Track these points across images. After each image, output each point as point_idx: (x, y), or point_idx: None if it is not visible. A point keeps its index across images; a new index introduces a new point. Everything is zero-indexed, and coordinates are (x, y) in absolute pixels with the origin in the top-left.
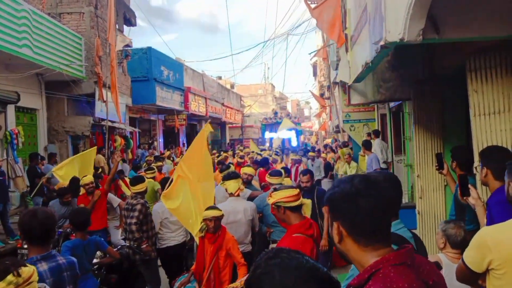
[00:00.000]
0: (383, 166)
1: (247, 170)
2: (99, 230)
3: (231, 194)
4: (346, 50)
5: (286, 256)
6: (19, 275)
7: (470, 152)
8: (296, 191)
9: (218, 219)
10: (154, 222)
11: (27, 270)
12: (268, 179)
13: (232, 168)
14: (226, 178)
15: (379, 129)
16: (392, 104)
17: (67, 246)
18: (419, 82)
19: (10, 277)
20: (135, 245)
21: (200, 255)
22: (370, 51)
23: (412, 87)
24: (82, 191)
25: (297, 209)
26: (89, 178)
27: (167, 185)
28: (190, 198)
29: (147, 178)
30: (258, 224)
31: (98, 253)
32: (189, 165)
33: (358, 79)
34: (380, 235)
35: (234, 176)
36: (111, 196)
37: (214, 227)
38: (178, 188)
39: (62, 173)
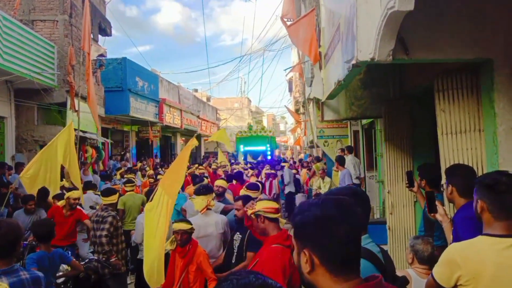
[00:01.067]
0: (356, 181)
1: (219, 183)
2: (68, 245)
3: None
4: (320, 68)
5: (235, 277)
6: None
7: (438, 169)
8: (277, 205)
9: (186, 232)
10: (138, 233)
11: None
12: (246, 192)
13: (206, 181)
14: (196, 192)
15: (352, 145)
16: (364, 121)
17: (32, 258)
18: (389, 101)
19: None
20: (104, 259)
21: (171, 270)
22: (343, 69)
23: (383, 105)
24: (62, 202)
25: (276, 220)
26: (78, 193)
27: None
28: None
29: (127, 191)
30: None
31: (64, 266)
32: (171, 180)
33: (331, 96)
34: (353, 264)
35: (204, 191)
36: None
37: (181, 240)
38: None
39: (29, 175)
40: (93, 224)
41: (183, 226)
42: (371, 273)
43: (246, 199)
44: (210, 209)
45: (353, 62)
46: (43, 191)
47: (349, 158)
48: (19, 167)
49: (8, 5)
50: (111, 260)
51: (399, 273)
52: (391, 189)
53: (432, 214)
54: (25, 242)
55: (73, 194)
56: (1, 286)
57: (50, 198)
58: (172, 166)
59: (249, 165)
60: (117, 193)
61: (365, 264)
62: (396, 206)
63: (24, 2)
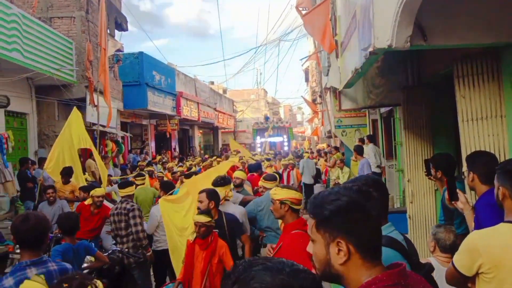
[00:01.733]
0: (376, 170)
1: (238, 174)
2: (92, 237)
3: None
4: (337, 56)
5: (261, 261)
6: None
7: (450, 157)
8: (301, 196)
9: (204, 225)
10: (151, 224)
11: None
12: (263, 183)
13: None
14: (215, 184)
15: (371, 134)
16: (383, 110)
17: (57, 250)
18: (408, 88)
19: None
20: (126, 250)
21: (189, 261)
22: (359, 57)
23: (401, 93)
24: (89, 201)
25: (297, 211)
26: (101, 190)
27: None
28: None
29: (138, 184)
30: (250, 228)
31: (88, 257)
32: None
33: (348, 85)
34: (380, 250)
35: (222, 183)
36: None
37: (200, 232)
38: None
39: (51, 168)
40: (114, 216)
41: (202, 218)
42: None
43: (212, 193)
44: (228, 200)
45: (370, 49)
46: (68, 169)
47: (369, 147)
48: (42, 161)
49: (26, 4)
50: (147, 254)
51: (422, 261)
52: (411, 177)
53: (453, 202)
54: (50, 234)
55: (96, 192)
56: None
57: (77, 190)
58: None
59: (265, 156)
60: (134, 185)
61: (391, 253)
62: (416, 194)
63: (42, 0)
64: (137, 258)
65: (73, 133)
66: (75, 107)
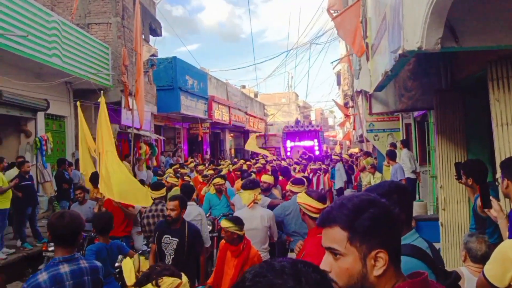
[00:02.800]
0: (411, 176)
1: (265, 179)
2: (123, 236)
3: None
4: (367, 59)
5: (285, 262)
6: (158, 285)
7: (482, 163)
8: (323, 205)
9: (232, 233)
10: None
11: (169, 282)
12: (290, 187)
13: (253, 176)
14: (243, 187)
15: (405, 139)
16: (416, 114)
17: (92, 250)
18: (441, 91)
19: (149, 286)
20: None
21: (220, 265)
22: (389, 60)
23: (435, 96)
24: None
25: (315, 219)
26: None
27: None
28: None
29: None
30: (277, 232)
31: (120, 257)
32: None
33: (379, 88)
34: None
35: (251, 186)
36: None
37: (232, 240)
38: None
39: (84, 171)
40: (148, 219)
41: (232, 227)
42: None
43: (184, 202)
44: (257, 203)
45: (400, 51)
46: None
47: (404, 152)
48: (79, 163)
49: (66, 11)
50: None
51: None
52: (444, 184)
53: (486, 210)
54: (84, 233)
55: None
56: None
57: (87, 182)
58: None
59: (295, 160)
60: (165, 187)
61: (414, 263)
62: (449, 201)
63: (80, 7)
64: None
65: (85, 132)
66: (78, 103)
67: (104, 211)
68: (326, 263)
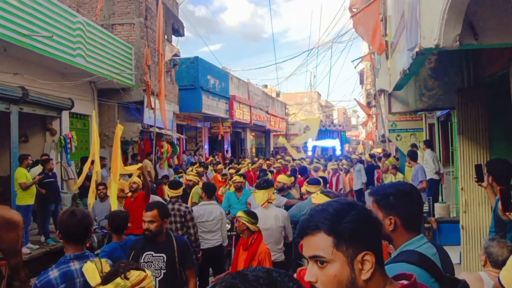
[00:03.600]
0: (435, 177)
1: (281, 179)
2: (141, 234)
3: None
4: (387, 57)
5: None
6: (126, 278)
7: (507, 163)
8: None
9: (243, 223)
10: None
11: (136, 274)
12: (306, 187)
13: (270, 176)
14: (257, 186)
15: (429, 139)
16: (439, 113)
17: (105, 251)
18: (463, 90)
19: (118, 280)
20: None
21: (234, 262)
22: (407, 58)
23: (456, 95)
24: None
25: None
26: (121, 183)
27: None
28: None
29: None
30: (292, 233)
31: None
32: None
33: (398, 87)
34: None
35: (265, 186)
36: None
37: (240, 228)
38: None
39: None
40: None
41: (242, 215)
42: (423, 280)
43: (164, 210)
44: (271, 203)
45: (417, 49)
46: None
47: (427, 153)
48: (102, 161)
49: (90, 12)
50: (198, 255)
51: (467, 275)
52: (465, 185)
53: (507, 213)
54: (104, 230)
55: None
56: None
57: (126, 188)
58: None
59: (315, 160)
60: (182, 186)
61: (417, 273)
62: (470, 204)
63: (104, 8)
64: None
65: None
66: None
67: (121, 210)
68: (311, 274)
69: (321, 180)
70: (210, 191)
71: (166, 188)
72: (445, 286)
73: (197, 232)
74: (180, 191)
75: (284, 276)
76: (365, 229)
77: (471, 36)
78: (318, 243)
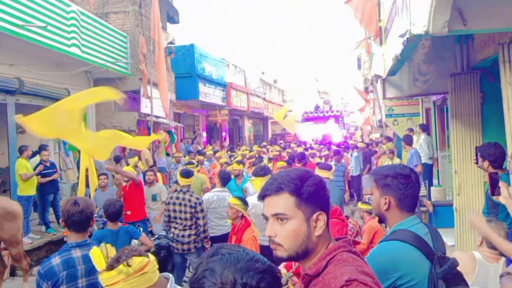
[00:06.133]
0: (428, 162)
1: (280, 165)
2: (140, 221)
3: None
4: (380, 43)
5: (226, 251)
6: (128, 265)
7: (500, 147)
8: None
9: (238, 211)
10: None
11: (139, 261)
12: (318, 171)
13: (265, 162)
14: (255, 173)
15: (425, 123)
16: (435, 98)
17: (95, 235)
18: (456, 75)
19: (120, 267)
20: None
21: None
22: (399, 44)
23: (450, 80)
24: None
25: None
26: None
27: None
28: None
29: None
30: None
31: (135, 241)
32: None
33: (392, 72)
34: None
35: (261, 173)
36: (164, 189)
37: (232, 215)
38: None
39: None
40: (174, 205)
41: (232, 200)
42: (415, 257)
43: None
44: None
45: (407, 35)
46: (116, 157)
47: (422, 138)
48: None
49: (84, 1)
50: (206, 246)
51: (461, 254)
52: (458, 168)
53: (495, 197)
54: (104, 219)
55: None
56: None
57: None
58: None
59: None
60: (193, 175)
61: (407, 249)
62: (463, 186)
63: None
64: (196, 243)
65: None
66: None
67: (115, 199)
68: (272, 229)
69: (332, 166)
70: (225, 179)
71: (178, 176)
72: (435, 264)
73: (206, 224)
74: (191, 180)
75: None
76: (320, 193)
77: (460, 22)
78: (282, 202)
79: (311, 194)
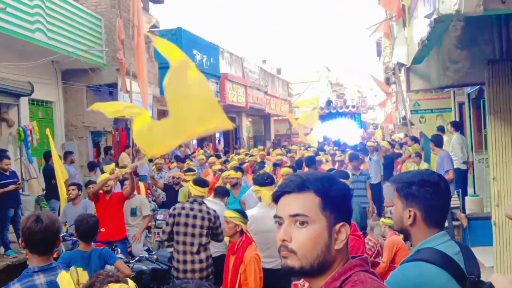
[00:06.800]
0: (461, 167)
1: (285, 171)
2: (119, 241)
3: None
4: (404, 25)
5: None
6: None
7: None
8: None
9: (236, 225)
10: None
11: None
12: None
13: (267, 168)
14: (260, 183)
15: (458, 121)
16: (470, 90)
17: (63, 257)
18: (494, 62)
19: None
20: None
21: (226, 268)
22: (426, 26)
23: (486, 68)
24: None
25: None
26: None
27: None
28: None
29: (187, 180)
30: None
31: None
32: None
33: (417, 60)
34: None
35: (269, 182)
36: (145, 201)
37: (230, 230)
38: None
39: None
40: (184, 218)
41: (228, 213)
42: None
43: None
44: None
45: (435, 16)
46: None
47: (455, 138)
48: (68, 156)
49: None
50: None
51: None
52: (497, 174)
53: None
54: (74, 238)
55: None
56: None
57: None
58: None
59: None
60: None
61: (434, 271)
62: (504, 196)
63: None
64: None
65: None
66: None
67: (90, 214)
68: (286, 232)
69: (349, 172)
70: (221, 194)
71: (190, 184)
72: (469, 286)
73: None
74: (206, 190)
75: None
76: (347, 201)
77: None
78: (305, 202)
79: (339, 200)
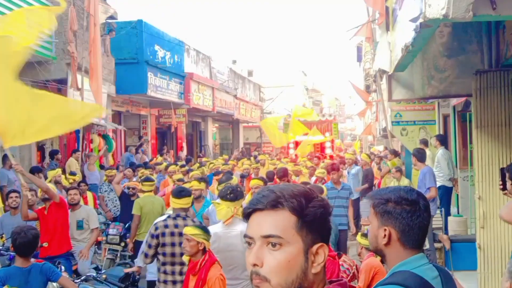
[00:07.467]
0: (447, 184)
1: (255, 183)
2: (61, 255)
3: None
4: (387, 29)
5: None
6: None
7: None
8: None
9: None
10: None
11: None
12: None
13: (235, 180)
14: (221, 196)
15: (442, 134)
16: (456, 101)
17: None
18: (482, 72)
19: None
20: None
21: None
22: (410, 31)
23: (474, 79)
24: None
25: None
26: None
27: None
28: None
29: (145, 191)
30: None
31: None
32: None
33: (400, 67)
34: None
35: (232, 197)
36: (92, 213)
37: (192, 249)
38: None
39: None
40: (170, 237)
41: (189, 230)
42: None
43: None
44: (237, 217)
45: (421, 20)
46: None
47: (441, 153)
48: (6, 160)
49: None
50: None
51: None
52: (483, 194)
53: None
54: (12, 253)
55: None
56: None
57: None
58: None
59: (300, 160)
60: (191, 195)
61: None
62: (489, 217)
63: None
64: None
65: None
66: None
67: (29, 226)
68: (257, 256)
69: (324, 188)
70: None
71: (170, 199)
72: None
73: None
74: (187, 202)
75: None
76: (325, 220)
77: (488, 5)
78: (278, 221)
79: (316, 219)
